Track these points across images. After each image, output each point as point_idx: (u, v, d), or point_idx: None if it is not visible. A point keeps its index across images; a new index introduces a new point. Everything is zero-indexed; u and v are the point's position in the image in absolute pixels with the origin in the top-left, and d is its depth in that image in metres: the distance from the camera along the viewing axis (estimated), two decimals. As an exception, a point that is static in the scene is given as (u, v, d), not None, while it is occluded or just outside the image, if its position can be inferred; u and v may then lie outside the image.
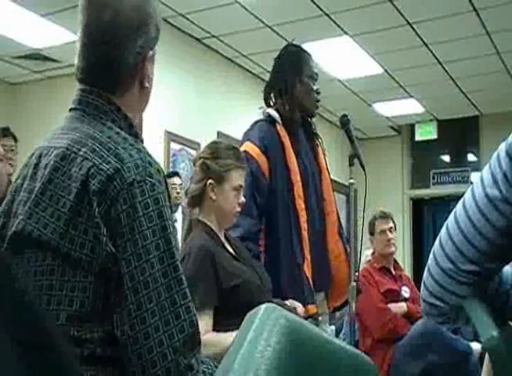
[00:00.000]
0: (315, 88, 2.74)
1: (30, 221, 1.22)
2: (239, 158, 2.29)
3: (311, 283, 2.52)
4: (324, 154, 2.87)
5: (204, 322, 1.98)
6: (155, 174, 1.22)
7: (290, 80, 2.70)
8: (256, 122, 2.70)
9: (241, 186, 2.27)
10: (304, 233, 2.57)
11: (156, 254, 1.17)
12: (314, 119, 2.87)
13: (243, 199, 2.28)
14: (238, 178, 2.26)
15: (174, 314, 1.17)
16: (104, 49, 1.32)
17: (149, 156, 1.25)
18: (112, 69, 1.33)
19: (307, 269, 2.53)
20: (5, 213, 1.31)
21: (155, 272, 1.16)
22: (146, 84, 1.38)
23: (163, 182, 1.24)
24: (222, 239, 2.27)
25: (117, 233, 1.16)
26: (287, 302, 2.30)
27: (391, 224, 4.09)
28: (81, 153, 1.23)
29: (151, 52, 1.37)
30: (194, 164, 2.33)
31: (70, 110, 1.36)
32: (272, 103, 2.74)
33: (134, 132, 1.35)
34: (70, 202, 1.19)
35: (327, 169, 2.85)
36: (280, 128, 2.66)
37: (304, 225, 2.57)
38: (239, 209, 2.28)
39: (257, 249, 2.51)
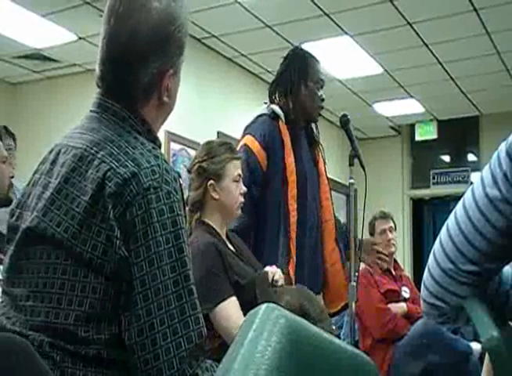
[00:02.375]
0: (319, 94, 2.72)
1: (45, 218, 1.23)
2: (233, 150, 2.30)
3: (293, 283, 2.47)
4: (324, 162, 2.85)
5: (236, 305, 2.00)
6: (171, 182, 1.22)
7: (295, 82, 2.69)
8: (259, 116, 2.69)
9: (240, 175, 2.27)
10: (293, 234, 2.54)
11: (169, 261, 1.17)
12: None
13: (244, 188, 2.29)
14: (235, 168, 2.26)
15: (183, 323, 1.17)
16: (119, 67, 1.31)
17: (167, 163, 1.25)
18: (125, 87, 1.32)
19: (291, 270, 2.51)
20: (22, 205, 1.32)
21: (166, 280, 1.16)
22: (165, 99, 1.36)
23: (179, 190, 1.24)
24: (224, 238, 2.27)
25: (130, 237, 1.16)
26: (268, 269, 2.24)
27: (391, 224, 4.09)
28: (99, 156, 1.23)
29: (171, 71, 1.35)
30: (189, 172, 2.31)
31: (90, 111, 1.36)
32: (276, 101, 2.73)
33: (152, 138, 1.35)
34: (85, 203, 1.19)
35: (326, 177, 2.84)
36: (282, 126, 2.65)
37: (293, 225, 2.55)
38: (242, 199, 2.28)
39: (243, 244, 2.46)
